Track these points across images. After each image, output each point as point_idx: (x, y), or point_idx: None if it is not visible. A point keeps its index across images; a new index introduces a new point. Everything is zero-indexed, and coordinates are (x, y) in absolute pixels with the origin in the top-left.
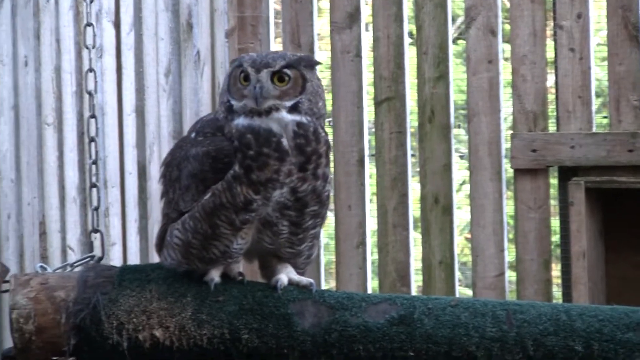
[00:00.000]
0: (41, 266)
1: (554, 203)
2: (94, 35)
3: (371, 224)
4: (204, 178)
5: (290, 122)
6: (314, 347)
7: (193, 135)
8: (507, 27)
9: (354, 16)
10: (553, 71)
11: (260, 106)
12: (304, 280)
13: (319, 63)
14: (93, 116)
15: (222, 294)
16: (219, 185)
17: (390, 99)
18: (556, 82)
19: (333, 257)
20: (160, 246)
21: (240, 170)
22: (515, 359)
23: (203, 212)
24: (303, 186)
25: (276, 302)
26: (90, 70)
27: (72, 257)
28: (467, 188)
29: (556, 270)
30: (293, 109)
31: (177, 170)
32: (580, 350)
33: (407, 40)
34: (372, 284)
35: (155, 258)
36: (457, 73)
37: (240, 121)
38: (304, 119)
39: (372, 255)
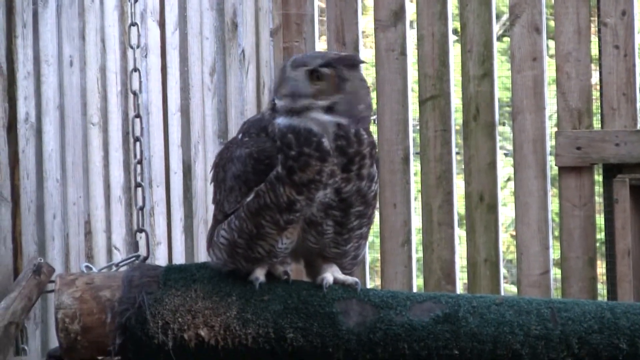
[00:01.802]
0: (87, 266)
1: (598, 200)
2: (139, 35)
3: (416, 222)
4: (246, 179)
5: (329, 122)
6: (359, 346)
7: (240, 136)
8: (552, 24)
9: (399, 14)
10: (597, 68)
11: (295, 104)
12: (349, 279)
13: (361, 62)
14: (138, 116)
15: (267, 293)
16: (262, 186)
17: (435, 97)
18: (600, 80)
19: (378, 256)
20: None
21: (282, 171)
22: (560, 357)
23: (248, 212)
24: (347, 187)
25: (321, 301)
26: (135, 69)
27: (118, 256)
28: (511, 185)
29: (601, 268)
30: (329, 110)
31: (222, 172)
32: (625, 348)
33: (451, 38)
34: (417, 282)
35: (200, 257)
36: (501, 71)
37: (281, 120)
38: (342, 120)
39: (417, 253)
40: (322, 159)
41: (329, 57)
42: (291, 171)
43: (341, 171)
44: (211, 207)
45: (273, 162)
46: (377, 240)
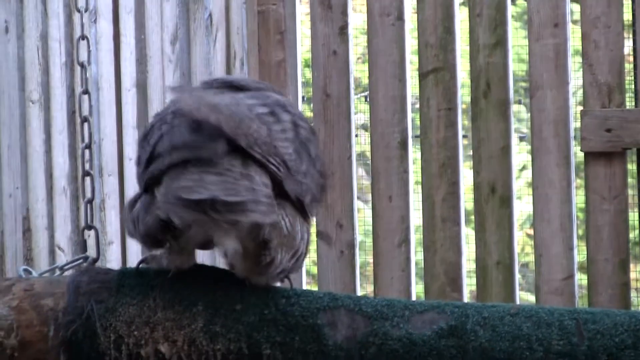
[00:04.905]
0: (25, 269)
1: (632, 192)
2: None
3: (415, 218)
4: None
5: None
6: None
7: None
8: None
9: None
10: (631, 36)
11: None
12: None
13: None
14: (86, 92)
15: (240, 302)
16: None
17: (437, 69)
18: (634, 49)
19: (370, 258)
20: None
21: None
22: None
23: None
24: None
25: (304, 311)
26: (83, 37)
27: (62, 258)
28: (528, 175)
29: (635, 272)
30: None
31: None
32: None
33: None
34: (416, 289)
35: None
36: (516, 39)
37: None
38: None
39: (416, 255)
40: None
41: None
42: None
43: None
44: None
45: None
46: (369, 240)
